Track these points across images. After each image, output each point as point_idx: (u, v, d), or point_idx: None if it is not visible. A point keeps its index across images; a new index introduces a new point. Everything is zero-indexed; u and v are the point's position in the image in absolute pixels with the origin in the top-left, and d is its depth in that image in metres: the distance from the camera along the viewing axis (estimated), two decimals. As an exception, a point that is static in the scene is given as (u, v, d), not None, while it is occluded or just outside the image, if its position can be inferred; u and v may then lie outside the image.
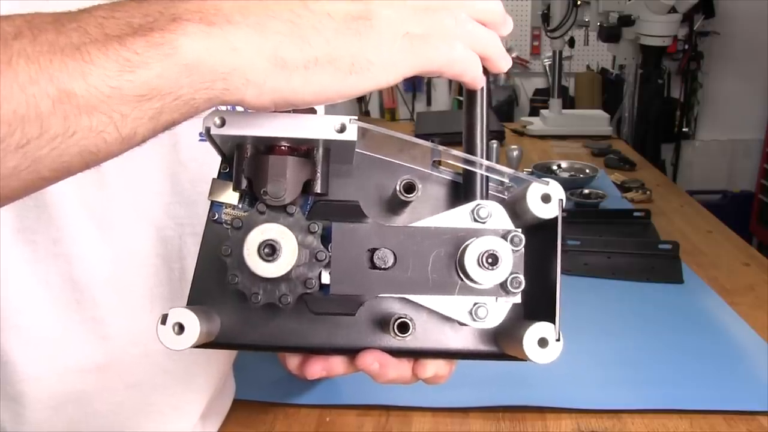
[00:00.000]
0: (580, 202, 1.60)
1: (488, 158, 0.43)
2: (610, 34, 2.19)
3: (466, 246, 0.38)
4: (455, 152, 0.42)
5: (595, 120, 2.38)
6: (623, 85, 2.83)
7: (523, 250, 0.39)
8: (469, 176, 0.43)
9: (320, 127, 0.37)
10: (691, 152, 3.64)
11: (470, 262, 0.38)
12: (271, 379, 0.88)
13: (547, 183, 0.40)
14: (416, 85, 3.80)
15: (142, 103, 0.31)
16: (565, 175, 1.82)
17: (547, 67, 3.58)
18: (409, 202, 0.40)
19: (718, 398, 0.85)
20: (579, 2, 2.17)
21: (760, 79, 3.45)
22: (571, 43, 2.47)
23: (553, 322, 0.38)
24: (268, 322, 0.42)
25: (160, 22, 0.31)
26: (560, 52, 2.37)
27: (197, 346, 0.40)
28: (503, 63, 0.41)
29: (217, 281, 0.41)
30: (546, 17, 2.27)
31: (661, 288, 1.19)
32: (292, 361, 0.45)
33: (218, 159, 0.64)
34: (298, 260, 0.38)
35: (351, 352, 0.42)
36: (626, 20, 2.09)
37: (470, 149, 0.42)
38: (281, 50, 0.32)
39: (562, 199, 0.39)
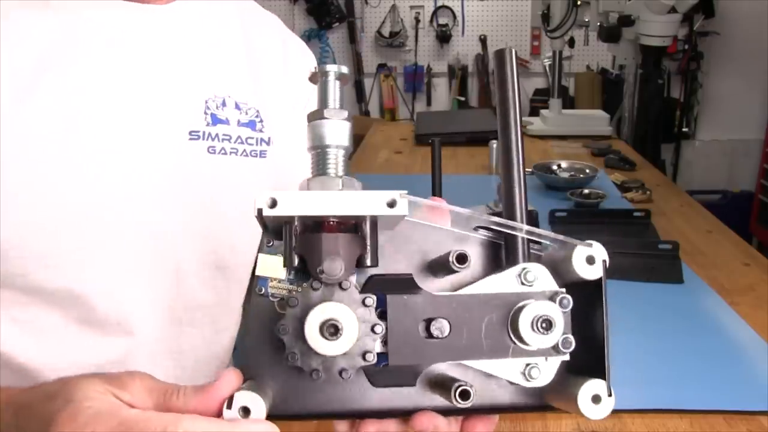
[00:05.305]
0: (580, 202, 1.60)
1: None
2: (610, 34, 2.19)
3: (519, 310, 0.39)
4: (496, 219, 0.43)
5: (595, 120, 2.39)
6: (623, 85, 2.84)
7: (570, 311, 0.40)
8: (511, 240, 0.43)
9: (371, 204, 0.37)
10: (691, 152, 3.64)
11: (525, 327, 0.39)
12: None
13: (591, 245, 0.41)
14: (416, 85, 3.80)
15: None
16: (565, 175, 1.82)
17: (547, 67, 3.58)
18: (458, 271, 0.40)
19: (718, 398, 0.85)
20: (579, 2, 2.17)
21: (760, 79, 3.45)
22: (571, 43, 2.47)
23: (604, 378, 0.39)
24: (322, 391, 0.42)
25: None
26: (560, 52, 2.37)
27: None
28: None
29: (267, 353, 0.41)
30: (546, 17, 2.27)
31: (661, 288, 1.19)
32: (341, 426, 0.46)
33: (211, 159, 0.64)
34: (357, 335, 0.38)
35: (404, 414, 0.43)
36: (626, 20, 2.09)
37: (510, 215, 0.43)
38: None
39: (605, 260, 0.40)
